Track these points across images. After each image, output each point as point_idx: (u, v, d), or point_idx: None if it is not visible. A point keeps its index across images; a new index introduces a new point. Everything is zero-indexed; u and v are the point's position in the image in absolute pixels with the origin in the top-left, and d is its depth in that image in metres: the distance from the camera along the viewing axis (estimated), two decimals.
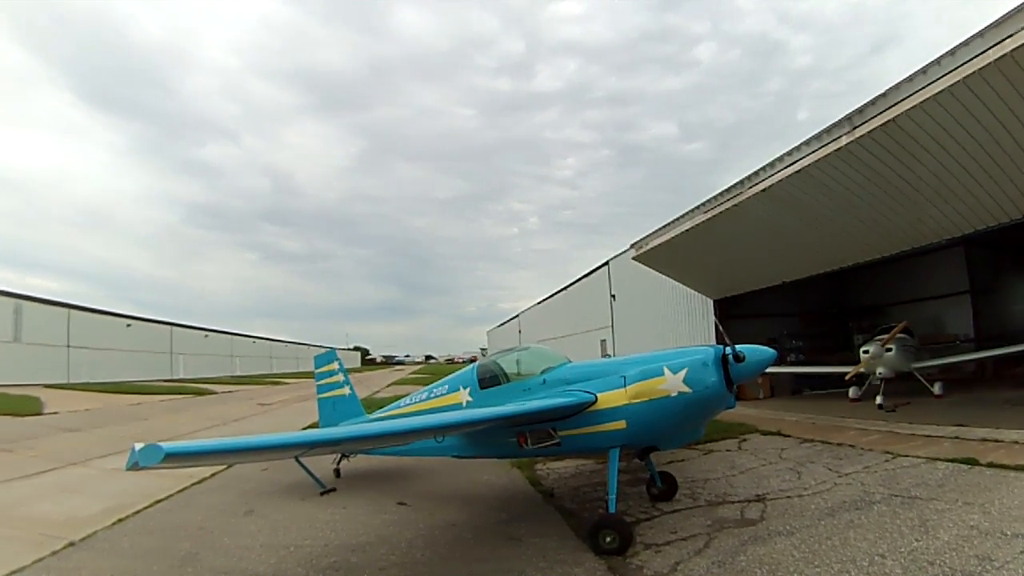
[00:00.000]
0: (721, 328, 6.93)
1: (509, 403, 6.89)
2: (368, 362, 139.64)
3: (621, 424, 5.99)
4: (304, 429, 13.14)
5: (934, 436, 9.89)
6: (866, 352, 13.51)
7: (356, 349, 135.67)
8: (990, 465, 7.60)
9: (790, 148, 10.51)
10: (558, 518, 6.81)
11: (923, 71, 7.87)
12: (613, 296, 27.59)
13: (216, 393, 33.32)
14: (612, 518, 5.61)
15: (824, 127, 9.63)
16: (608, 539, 5.43)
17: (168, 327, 54.91)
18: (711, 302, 18.45)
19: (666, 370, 5.90)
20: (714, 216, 13.20)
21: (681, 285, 19.32)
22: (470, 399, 7.60)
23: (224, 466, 9.98)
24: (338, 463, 9.53)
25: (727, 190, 12.57)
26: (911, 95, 8.09)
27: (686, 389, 5.78)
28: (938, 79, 7.70)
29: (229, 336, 69.31)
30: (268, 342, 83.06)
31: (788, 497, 7.03)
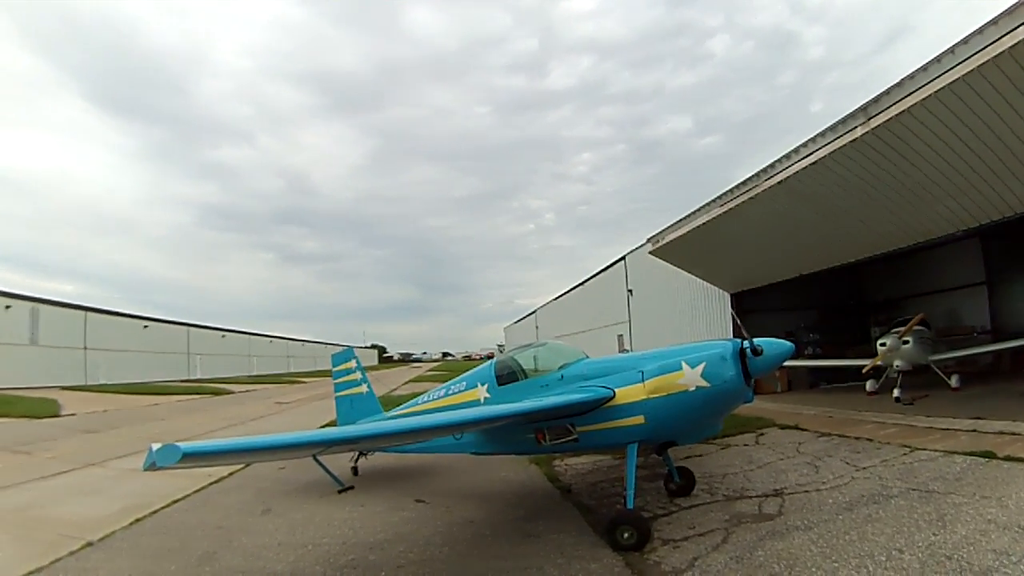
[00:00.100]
0: (739, 321, 6.91)
1: (527, 399, 6.88)
2: (385, 360, 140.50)
3: (639, 419, 5.98)
4: (321, 427, 13.25)
5: (951, 429, 9.77)
6: (883, 345, 13.43)
7: (373, 347, 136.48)
8: (1008, 458, 7.49)
9: (805, 140, 10.44)
10: (576, 514, 6.81)
11: (938, 60, 7.79)
12: (630, 291, 27.51)
13: (233, 393, 33.72)
14: (630, 514, 5.60)
15: (839, 118, 9.54)
16: (626, 535, 5.42)
17: (185, 328, 55.48)
18: (728, 296, 18.39)
19: (684, 365, 5.86)
20: (730, 209, 13.14)
21: (698, 279, 19.25)
22: (488, 396, 7.61)
23: (241, 465, 10.04)
24: (356, 461, 9.58)
25: (743, 183, 12.51)
26: (926, 84, 8.01)
27: (704, 384, 5.75)
28: (953, 67, 7.61)
29: (246, 336, 69.94)
30: (285, 341, 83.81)
31: (806, 491, 7.00)
